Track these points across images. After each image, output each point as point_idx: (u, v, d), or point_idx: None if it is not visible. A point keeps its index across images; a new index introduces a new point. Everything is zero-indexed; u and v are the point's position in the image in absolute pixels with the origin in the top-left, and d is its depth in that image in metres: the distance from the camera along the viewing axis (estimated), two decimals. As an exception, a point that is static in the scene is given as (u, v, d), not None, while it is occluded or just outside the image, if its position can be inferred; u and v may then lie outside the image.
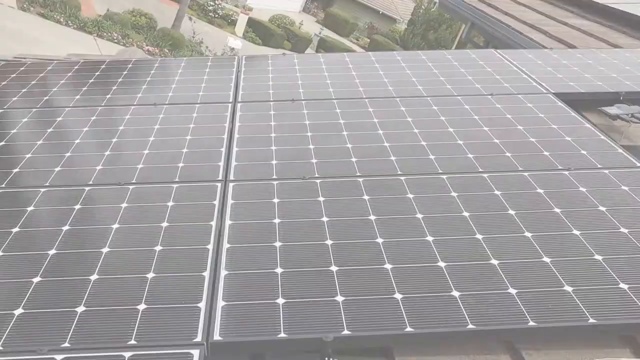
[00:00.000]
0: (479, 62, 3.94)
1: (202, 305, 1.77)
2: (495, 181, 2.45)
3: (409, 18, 35.14)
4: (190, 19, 23.81)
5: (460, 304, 1.76)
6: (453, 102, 3.28)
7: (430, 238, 2.08)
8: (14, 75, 3.84)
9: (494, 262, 1.95)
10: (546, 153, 2.68)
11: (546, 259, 1.95)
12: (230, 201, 2.35)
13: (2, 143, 2.89)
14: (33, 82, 3.71)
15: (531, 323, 1.69)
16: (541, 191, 2.37)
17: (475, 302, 1.76)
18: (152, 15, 21.87)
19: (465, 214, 2.23)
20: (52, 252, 2.06)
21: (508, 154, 2.68)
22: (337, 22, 35.37)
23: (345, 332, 1.67)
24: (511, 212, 2.23)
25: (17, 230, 2.19)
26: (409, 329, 1.68)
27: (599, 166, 2.56)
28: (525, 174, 2.50)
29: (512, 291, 1.81)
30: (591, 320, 1.69)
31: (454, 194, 2.37)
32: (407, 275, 1.89)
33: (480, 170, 2.54)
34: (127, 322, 1.72)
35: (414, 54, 4.19)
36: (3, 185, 2.49)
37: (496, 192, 2.37)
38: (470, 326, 1.68)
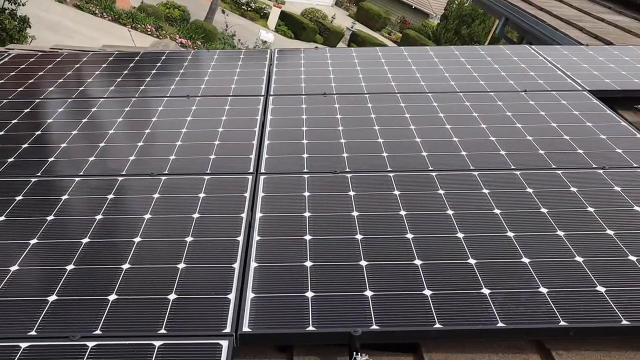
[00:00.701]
0: (512, 58, 3.90)
1: (231, 296, 1.78)
2: (528, 179, 2.42)
3: (441, 13, 34.87)
4: (223, 11, 23.94)
5: (490, 302, 1.75)
6: (486, 98, 3.25)
7: (460, 235, 2.07)
8: (50, 66, 3.90)
9: (525, 260, 1.93)
10: (580, 151, 2.64)
11: (579, 259, 1.93)
12: (261, 194, 2.36)
13: (38, 132, 2.94)
14: (69, 73, 3.77)
15: (562, 323, 1.67)
16: (574, 190, 2.34)
17: (505, 300, 1.75)
18: (186, 8, 22.04)
19: (497, 211, 2.21)
20: (85, 240, 2.09)
21: (541, 152, 2.64)
22: (370, 16, 35.26)
23: (374, 327, 1.67)
24: (543, 210, 2.21)
25: (52, 218, 2.22)
26: (437, 325, 1.67)
27: (635, 165, 2.52)
28: (559, 172, 2.47)
29: (543, 290, 1.79)
30: (624, 322, 1.67)
31: (485, 190, 2.35)
32: (437, 272, 1.88)
33: (513, 167, 2.52)
34: (157, 311, 1.74)
35: (446, 49, 4.16)
36: (39, 174, 2.54)
37: (528, 189, 2.35)
38: (500, 324, 1.67)
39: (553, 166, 2.52)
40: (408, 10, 39.51)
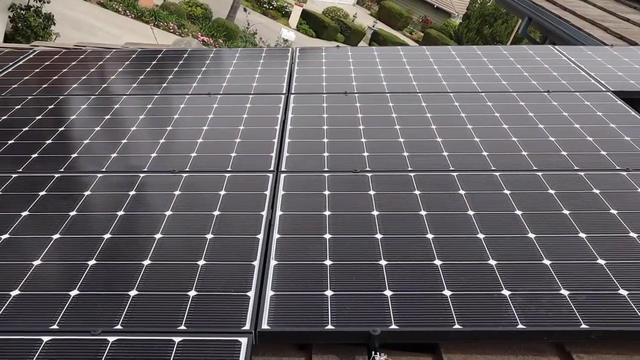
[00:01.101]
0: (535, 58, 3.87)
1: (251, 294, 1.79)
2: (550, 180, 2.40)
3: (464, 12, 34.69)
4: (245, 10, 24.02)
5: (511, 303, 1.74)
6: (508, 99, 3.23)
7: (481, 235, 2.06)
8: (74, 62, 3.94)
9: (546, 262, 1.91)
10: (603, 152, 2.62)
11: (601, 261, 1.91)
12: (281, 192, 2.36)
13: (62, 128, 2.97)
14: (92, 70, 3.80)
15: (583, 325, 1.65)
16: (597, 191, 2.32)
17: (526, 302, 1.74)
18: (208, 6, 22.14)
19: (518, 212, 2.20)
20: (107, 236, 2.11)
21: (564, 153, 2.62)
22: (391, 15, 35.18)
23: (393, 326, 1.67)
24: (565, 211, 2.19)
25: (74, 213, 2.25)
26: (457, 326, 1.67)
27: (659, 168, 2.48)
28: (581, 173, 2.45)
29: (564, 292, 1.77)
30: (646, 326, 1.65)
31: (506, 191, 2.33)
32: (457, 272, 1.87)
33: (535, 168, 2.50)
34: (177, 307, 1.75)
35: (468, 49, 4.14)
36: (62, 170, 2.56)
37: (550, 190, 2.33)
38: (520, 326, 1.66)
39: (575, 167, 2.49)
40: (430, 9, 39.36)
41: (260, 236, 2.08)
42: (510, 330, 1.65)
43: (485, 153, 2.63)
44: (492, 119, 2.98)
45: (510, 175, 2.45)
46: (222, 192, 2.37)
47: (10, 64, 3.93)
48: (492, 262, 1.92)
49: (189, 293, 1.80)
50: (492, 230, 2.09)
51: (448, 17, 38.57)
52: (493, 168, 2.51)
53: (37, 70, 3.81)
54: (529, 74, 3.57)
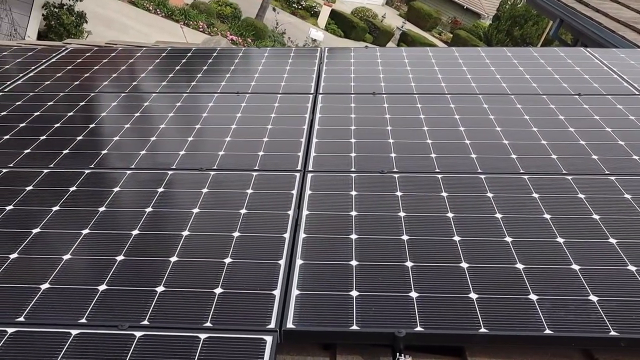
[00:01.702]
0: (567, 60, 3.83)
1: (276, 292, 1.79)
2: (580, 184, 2.37)
3: (493, 13, 34.40)
4: (274, 9, 24.09)
5: (538, 308, 1.72)
6: (538, 101, 3.19)
7: (509, 239, 2.04)
8: (105, 60, 3.99)
9: (575, 267, 1.89)
10: (635, 157, 2.58)
11: (631, 268, 1.88)
12: (308, 191, 2.36)
13: (93, 125, 3.01)
14: (122, 68, 3.84)
15: (613, 333, 1.63)
16: (628, 196, 2.28)
17: (553, 307, 1.72)
18: (237, 5, 22.25)
19: (547, 216, 2.17)
20: (135, 232, 2.13)
21: (594, 157, 2.59)
22: (420, 16, 35.03)
23: (418, 328, 1.66)
24: (595, 216, 2.16)
25: (104, 209, 2.27)
26: (483, 330, 1.65)
27: (693, 173, 2.44)
28: (612, 177, 2.41)
29: (593, 298, 1.75)
30: (677, 334, 1.62)
31: (535, 195, 2.31)
32: (484, 276, 1.86)
33: (564, 172, 2.47)
34: (203, 304, 1.76)
35: (498, 50, 4.10)
36: (92, 166, 2.60)
37: (580, 195, 2.30)
38: (547, 331, 1.64)
39: (606, 172, 2.46)
40: (459, 10, 39.11)
41: (287, 235, 2.08)
42: (537, 335, 1.64)
43: (514, 156, 2.61)
44: (521, 121, 2.95)
45: (539, 179, 2.42)
46: (249, 191, 2.38)
47: (44, 61, 3.99)
48: (520, 265, 1.90)
49: (215, 290, 1.81)
50: (520, 233, 2.07)
51: (477, 18, 38.30)
52: (522, 171, 2.48)
53: (69, 67, 3.86)
54: (559, 77, 3.53)
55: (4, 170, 2.57)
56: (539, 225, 2.12)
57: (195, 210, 2.25)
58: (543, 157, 2.60)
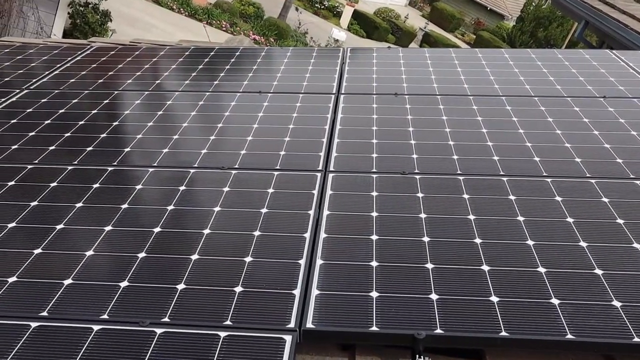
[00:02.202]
0: (592, 62, 3.79)
1: (296, 292, 1.80)
2: (604, 188, 2.35)
3: (517, 15, 34.13)
4: (296, 9, 24.13)
5: (560, 313, 1.70)
6: (562, 103, 3.16)
7: (530, 242, 2.02)
8: (129, 59, 4.02)
9: (598, 272, 1.87)
10: (661, 161, 2.54)
11: (655, 273, 1.86)
12: (329, 191, 2.37)
13: (116, 123, 3.03)
14: (146, 66, 3.87)
15: (636, 339, 1.61)
16: (653, 201, 2.25)
17: (576, 312, 1.70)
18: (260, 5, 22.31)
19: (570, 219, 2.15)
20: (157, 229, 2.14)
21: (619, 160, 2.56)
22: (443, 16, 34.86)
23: (438, 330, 1.65)
24: (619, 221, 2.14)
25: (126, 206, 2.29)
26: (503, 333, 1.64)
27: None
28: (638, 182, 2.38)
29: (617, 304, 1.73)
30: (702, 341, 1.60)
31: (558, 198, 2.29)
32: (505, 279, 1.85)
33: (588, 175, 2.44)
34: (223, 302, 1.77)
35: (522, 52, 4.07)
36: (115, 163, 2.62)
37: (604, 199, 2.27)
38: (569, 336, 1.62)
39: (631, 176, 2.43)
40: (483, 11, 38.86)
41: (307, 235, 2.08)
42: (558, 340, 1.62)
43: (536, 158, 2.59)
44: (544, 123, 2.93)
45: (562, 182, 2.40)
46: (271, 190, 2.38)
47: (69, 58, 4.03)
48: (541, 269, 1.89)
49: (235, 289, 1.82)
50: (542, 237, 2.05)
51: (501, 20, 38.03)
52: (544, 174, 2.46)
53: (94, 65, 3.90)
54: (584, 79, 3.50)
55: (29, 167, 2.60)
56: (561, 228, 2.10)
57: (217, 209, 2.26)
58: (566, 160, 2.57)
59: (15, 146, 2.80)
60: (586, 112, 3.05)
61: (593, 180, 2.40)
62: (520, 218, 2.17)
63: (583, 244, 2.01)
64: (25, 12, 12.09)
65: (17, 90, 3.48)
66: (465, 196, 2.32)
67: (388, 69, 3.75)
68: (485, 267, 1.90)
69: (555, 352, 1.68)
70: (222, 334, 1.65)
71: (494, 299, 1.76)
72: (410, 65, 3.81)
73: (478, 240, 2.04)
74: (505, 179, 2.44)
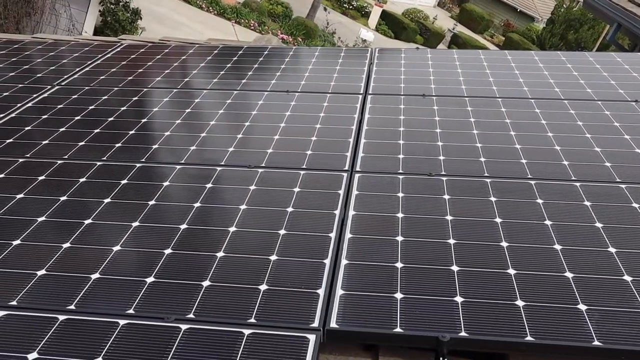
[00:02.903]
0: (624, 66, 3.73)
1: (321, 291, 1.80)
2: (634, 193, 2.31)
3: (548, 17, 33.77)
4: (325, 9, 24.14)
5: (587, 318, 1.68)
6: (592, 107, 3.12)
7: (558, 247, 2.00)
8: (158, 56, 4.06)
9: (627, 278, 1.84)
10: (693, 167, 2.50)
11: (686, 281, 1.82)
12: (354, 192, 2.36)
13: (145, 120, 3.06)
14: (175, 64, 3.90)
15: (664, 347, 1.58)
16: (685, 208, 2.22)
17: (603, 318, 1.68)
18: (288, 5, 22.37)
19: (598, 225, 2.12)
20: (183, 226, 2.16)
21: (650, 166, 2.52)
22: (472, 18, 34.62)
23: (462, 333, 1.64)
24: (649, 227, 2.10)
25: (153, 203, 2.32)
26: (529, 337, 1.63)
27: None
28: (668, 188, 2.35)
29: (645, 311, 1.70)
30: None
31: (587, 203, 2.26)
32: (531, 283, 1.83)
33: (618, 180, 2.41)
34: (248, 300, 1.77)
35: (552, 54, 4.03)
36: (143, 160, 2.64)
37: (634, 204, 2.24)
38: (596, 343, 1.60)
39: (662, 181, 2.39)
40: (512, 13, 38.52)
41: (333, 235, 2.09)
42: (585, 346, 1.60)
43: (565, 162, 2.56)
44: (574, 127, 2.89)
45: (591, 187, 2.37)
46: (297, 189, 2.39)
47: (99, 56, 4.08)
48: (569, 274, 1.86)
49: (260, 287, 1.83)
50: (570, 241, 2.03)
51: (531, 22, 37.66)
52: (574, 178, 2.43)
53: (124, 62, 3.94)
54: (616, 83, 3.45)
55: (59, 162, 2.64)
56: (590, 233, 2.07)
57: (243, 207, 2.27)
58: (596, 164, 2.54)
59: (46, 141, 2.84)
60: (617, 116, 3.01)
61: (623, 185, 2.37)
62: (548, 222, 2.14)
63: (612, 249, 1.98)
64: (57, 9, 12.26)
65: (49, 87, 3.53)
66: (492, 199, 2.30)
67: (416, 70, 3.74)
68: (512, 271, 1.88)
69: (581, 358, 1.66)
70: (247, 332, 1.65)
71: (520, 303, 1.75)
72: (438, 67, 3.79)
73: (504, 244, 2.02)
74: (533, 182, 2.41)
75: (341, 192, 2.36)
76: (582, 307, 1.73)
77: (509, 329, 1.65)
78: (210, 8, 19.83)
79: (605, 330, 1.64)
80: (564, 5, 32.18)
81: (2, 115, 3.15)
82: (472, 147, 2.71)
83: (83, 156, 2.69)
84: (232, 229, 2.14)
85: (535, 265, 1.91)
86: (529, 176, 2.46)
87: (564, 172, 2.48)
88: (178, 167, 2.59)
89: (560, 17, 31.34)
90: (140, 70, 3.78)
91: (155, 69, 3.81)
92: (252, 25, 19.81)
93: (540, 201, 2.28)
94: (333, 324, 1.68)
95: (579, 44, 29.46)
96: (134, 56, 4.07)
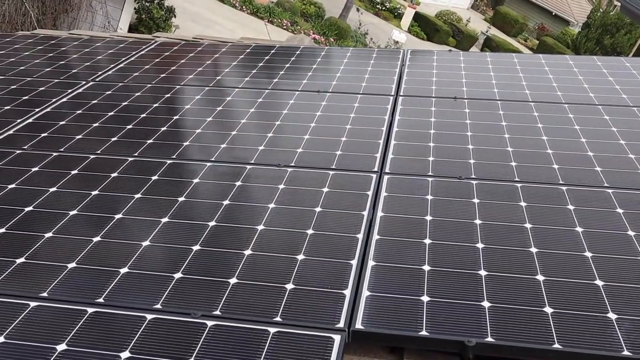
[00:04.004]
0: (661, 72, 3.66)
1: (347, 292, 1.80)
2: (668, 201, 2.27)
3: (583, 21, 33.29)
4: (357, 9, 24.11)
5: (616, 327, 1.65)
6: (628, 113, 3.07)
7: (588, 254, 1.97)
8: (191, 54, 4.09)
9: (659, 288, 1.81)
10: None
11: None
12: (383, 193, 2.36)
13: (176, 117, 3.09)
14: (207, 62, 3.93)
15: (696, 359, 1.55)
16: None
17: (634, 328, 1.65)
18: (321, 5, 22.40)
19: (631, 232, 2.09)
20: (212, 223, 2.18)
21: (686, 174, 2.47)
22: (506, 21, 34.29)
23: (489, 339, 1.63)
24: (684, 236, 2.06)
25: (183, 199, 2.34)
26: (556, 345, 1.61)
27: None
28: None
29: (677, 322, 1.67)
30: None
31: (619, 210, 2.23)
32: (560, 290, 1.81)
33: (652, 188, 2.37)
34: (274, 299, 1.78)
35: (587, 59, 3.97)
36: (174, 157, 2.67)
37: (668, 213, 2.20)
38: (626, 352, 1.57)
39: (698, 190, 2.34)
40: (547, 16, 38.05)
41: (360, 236, 2.08)
42: (614, 355, 1.57)
43: (598, 168, 2.52)
44: (608, 133, 2.85)
45: (624, 194, 2.33)
46: (325, 189, 2.39)
47: (134, 52, 4.13)
48: (599, 282, 1.84)
49: (286, 286, 1.83)
50: (601, 249, 2.00)
51: (566, 25, 37.16)
52: (606, 184, 2.40)
53: (157, 60, 3.98)
54: (652, 89, 3.39)
55: (92, 157, 2.68)
56: (621, 241, 2.04)
57: (271, 206, 2.28)
58: (629, 171, 2.50)
59: (80, 136, 2.88)
60: (653, 122, 2.95)
61: (657, 193, 2.33)
62: (579, 229, 2.11)
63: (644, 258, 1.95)
64: (94, 6, 12.44)
65: (84, 82, 3.59)
66: (523, 204, 2.27)
67: (448, 72, 3.72)
68: (540, 277, 1.86)
69: (610, 368, 1.64)
70: (272, 330, 1.66)
71: (548, 309, 1.73)
72: (470, 69, 3.76)
73: (534, 250, 2.00)
74: (564, 188, 2.38)
75: (370, 193, 2.36)
76: (612, 315, 1.70)
77: (536, 335, 1.64)
78: (244, 7, 19.95)
79: (636, 340, 1.61)
80: (601, 9, 31.70)
81: (37, 109, 3.20)
82: (503, 151, 2.69)
83: (115, 151, 2.73)
84: (260, 227, 2.15)
85: (565, 272, 1.89)
86: (560, 182, 2.43)
87: (596, 179, 2.44)
88: (208, 164, 2.61)
89: (596, 21, 30.87)
90: (173, 68, 3.82)
91: (188, 67, 3.85)
92: (284, 24, 19.88)
93: (571, 207, 2.25)
94: (358, 325, 1.68)
95: (615, 49, 29.00)
96: (167, 54, 4.11)
